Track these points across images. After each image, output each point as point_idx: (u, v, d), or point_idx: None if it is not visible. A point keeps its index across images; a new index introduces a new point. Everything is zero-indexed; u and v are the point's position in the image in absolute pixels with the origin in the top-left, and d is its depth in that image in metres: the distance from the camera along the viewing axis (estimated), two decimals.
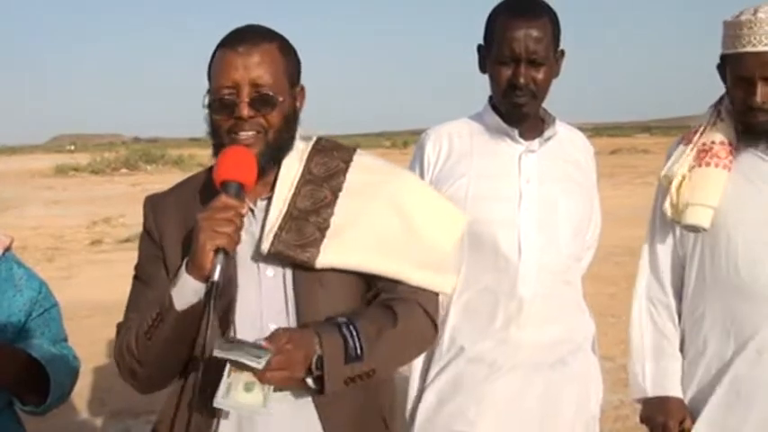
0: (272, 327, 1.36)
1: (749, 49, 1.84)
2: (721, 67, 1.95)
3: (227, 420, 1.42)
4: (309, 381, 1.36)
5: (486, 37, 1.94)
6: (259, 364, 1.24)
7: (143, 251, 1.53)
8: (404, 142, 50.32)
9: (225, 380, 1.28)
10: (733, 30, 1.88)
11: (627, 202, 10.37)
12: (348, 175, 1.52)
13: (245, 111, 1.40)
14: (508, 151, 1.94)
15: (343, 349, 1.35)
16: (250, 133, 1.42)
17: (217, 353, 1.26)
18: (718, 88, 2.02)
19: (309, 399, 1.42)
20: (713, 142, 1.95)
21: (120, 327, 1.49)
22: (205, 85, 1.48)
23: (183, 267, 1.34)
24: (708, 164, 1.94)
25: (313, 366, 1.34)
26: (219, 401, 1.28)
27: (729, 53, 1.90)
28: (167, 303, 1.35)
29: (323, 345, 1.34)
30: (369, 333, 1.38)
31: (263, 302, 1.44)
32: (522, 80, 1.84)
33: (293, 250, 1.40)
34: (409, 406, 2.01)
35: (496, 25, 1.89)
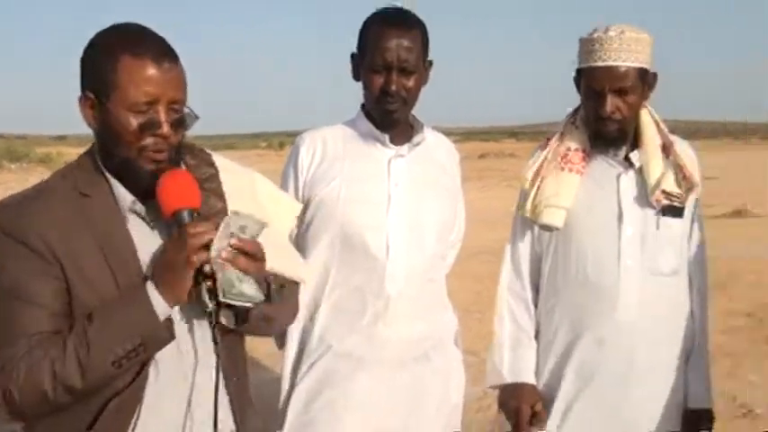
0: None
1: (600, 63, 1.98)
2: (577, 80, 2.09)
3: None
4: (229, 315, 1.40)
5: (359, 46, 2.00)
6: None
7: (19, 267, 1.34)
8: (279, 143, 49.83)
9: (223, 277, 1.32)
10: (587, 46, 2.03)
11: (494, 204, 10.83)
12: (221, 178, 1.53)
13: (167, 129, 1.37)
14: (379, 156, 2.01)
15: (266, 287, 1.43)
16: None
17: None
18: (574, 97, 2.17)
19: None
20: (568, 149, 2.09)
21: (6, 358, 1.31)
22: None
23: (153, 296, 1.31)
24: (562, 168, 2.08)
25: None
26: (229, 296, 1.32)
27: (584, 67, 2.04)
28: (162, 333, 1.33)
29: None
30: (275, 285, 1.49)
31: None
32: (393, 87, 1.92)
33: None
34: (281, 402, 2.03)
35: (369, 35, 1.96)
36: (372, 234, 1.95)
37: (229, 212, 1.34)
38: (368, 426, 1.96)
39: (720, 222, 10.31)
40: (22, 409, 1.32)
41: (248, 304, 1.35)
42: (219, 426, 1.41)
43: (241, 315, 1.39)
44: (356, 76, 2.02)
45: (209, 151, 1.58)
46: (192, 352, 1.42)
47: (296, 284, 1.63)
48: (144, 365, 1.36)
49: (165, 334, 1.34)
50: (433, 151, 2.10)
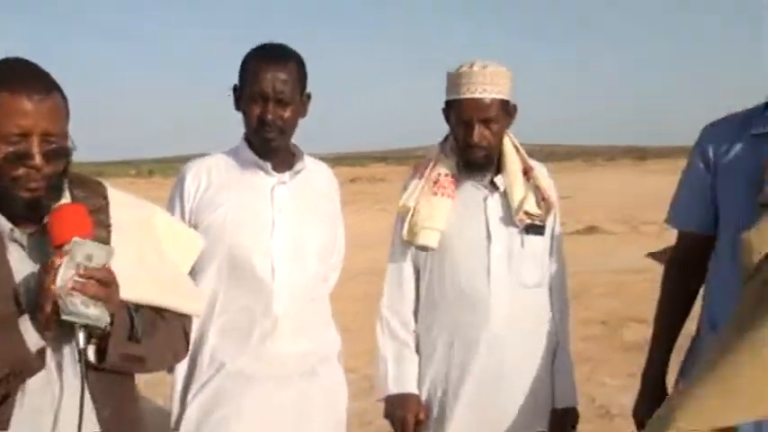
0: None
1: (467, 95, 2.14)
2: (446, 111, 2.25)
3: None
4: (91, 351, 1.43)
5: (240, 78, 2.08)
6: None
7: None
8: (149, 171, 48.00)
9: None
10: (454, 80, 2.19)
11: (368, 227, 11.03)
12: (111, 212, 1.55)
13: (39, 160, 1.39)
14: (262, 183, 2.08)
15: (129, 327, 1.46)
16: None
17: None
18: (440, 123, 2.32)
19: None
20: (439, 174, 2.25)
21: None
22: None
23: (25, 327, 1.34)
24: (435, 193, 2.22)
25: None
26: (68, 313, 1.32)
27: (452, 99, 2.20)
28: (31, 363, 1.35)
29: (113, 315, 1.41)
30: (146, 325, 1.50)
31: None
32: (270, 117, 2.00)
33: None
34: (172, 423, 2.04)
35: (248, 68, 2.04)
36: (258, 257, 2.02)
37: (72, 241, 1.35)
38: None
39: (573, 238, 11.08)
40: None
41: (90, 322, 1.37)
42: None
43: (100, 351, 1.42)
44: (237, 107, 2.09)
45: (106, 184, 1.60)
46: (57, 382, 1.43)
47: (181, 320, 1.63)
48: (9, 393, 1.36)
49: (35, 364, 1.35)
50: (314, 178, 2.19)
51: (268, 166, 2.08)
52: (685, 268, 2.03)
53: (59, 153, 1.41)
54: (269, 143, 2.05)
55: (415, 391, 2.24)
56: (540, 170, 2.30)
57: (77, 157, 1.48)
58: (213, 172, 2.09)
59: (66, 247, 1.34)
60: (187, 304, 1.64)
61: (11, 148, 1.37)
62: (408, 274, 2.30)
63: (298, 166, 2.13)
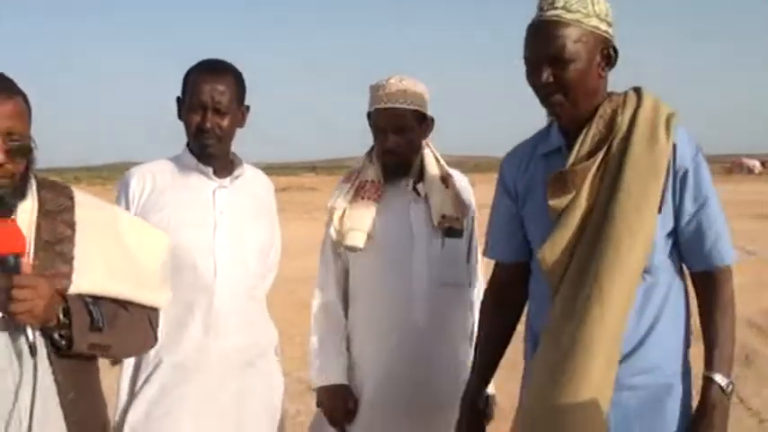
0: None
1: (382, 105, 2.34)
2: (369, 121, 2.44)
3: None
4: (57, 336, 1.54)
5: (182, 90, 2.24)
6: None
7: None
8: (75, 177, 46.65)
9: None
10: (373, 92, 2.40)
11: (298, 234, 11.08)
12: (76, 212, 1.67)
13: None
14: (204, 187, 2.24)
15: (89, 318, 1.58)
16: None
17: None
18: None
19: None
20: (366, 181, 2.44)
21: None
22: None
23: None
24: (362, 198, 2.41)
25: (60, 314, 1.53)
26: None
27: (371, 110, 2.40)
28: None
29: (69, 302, 1.55)
30: (108, 314, 1.62)
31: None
32: (208, 125, 2.17)
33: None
34: (118, 414, 2.15)
35: (189, 80, 2.21)
36: (201, 256, 2.16)
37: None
38: (203, 429, 2.15)
39: None
40: None
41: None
42: None
43: (69, 341, 1.54)
44: (180, 117, 2.25)
45: (72, 188, 1.73)
46: (9, 370, 1.52)
47: (145, 312, 1.76)
48: None
49: None
50: (252, 183, 2.36)
51: (209, 170, 2.24)
52: (499, 298, 2.05)
53: (22, 150, 1.53)
54: (207, 149, 2.20)
55: (343, 381, 2.40)
56: (458, 177, 2.51)
57: None
58: (157, 176, 2.23)
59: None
60: (149, 296, 1.76)
61: None
62: (338, 274, 2.47)
63: (237, 172, 2.29)
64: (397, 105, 2.33)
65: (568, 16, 1.73)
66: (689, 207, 1.77)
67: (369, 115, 2.43)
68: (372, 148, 2.50)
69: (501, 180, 2.01)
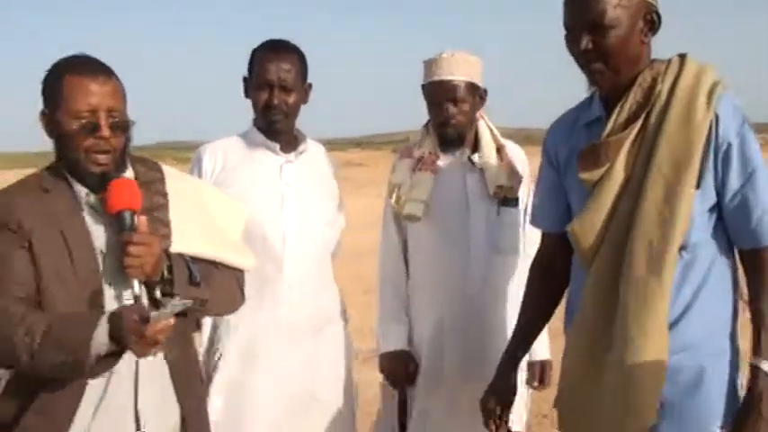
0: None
1: (436, 78, 2.43)
2: (423, 95, 2.51)
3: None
4: (158, 293, 1.66)
5: (249, 69, 2.36)
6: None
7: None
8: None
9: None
10: (426, 66, 2.48)
11: (347, 211, 11.18)
12: (167, 182, 1.82)
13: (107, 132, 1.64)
14: (271, 162, 2.36)
15: (188, 273, 1.70)
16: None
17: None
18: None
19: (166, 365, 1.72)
20: (423, 153, 2.52)
21: None
22: None
23: (100, 331, 1.52)
24: (420, 169, 2.49)
25: (164, 271, 1.66)
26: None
27: (426, 83, 2.48)
28: (85, 364, 1.52)
29: (171, 260, 1.67)
30: (203, 272, 1.75)
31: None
32: (275, 101, 2.28)
33: None
34: (205, 373, 2.27)
35: (256, 59, 2.33)
36: (270, 228, 2.29)
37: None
38: (280, 387, 2.29)
39: None
40: None
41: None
42: (159, 391, 1.70)
43: (169, 296, 1.67)
44: (247, 95, 2.38)
45: (160, 164, 1.88)
46: None
47: (234, 274, 1.89)
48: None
49: (86, 368, 1.53)
50: (315, 158, 2.48)
51: (276, 147, 2.36)
52: (545, 269, 2.01)
53: (122, 126, 1.68)
54: (275, 125, 2.32)
55: (404, 347, 2.51)
56: (512, 148, 2.58)
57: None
58: (228, 153, 2.36)
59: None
60: (237, 259, 1.90)
61: (83, 122, 1.63)
62: (399, 244, 2.57)
63: (301, 147, 2.41)
64: (452, 77, 2.41)
65: None
66: (733, 182, 1.67)
67: (423, 88, 2.50)
68: (428, 121, 2.58)
69: (545, 150, 1.98)
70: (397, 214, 2.53)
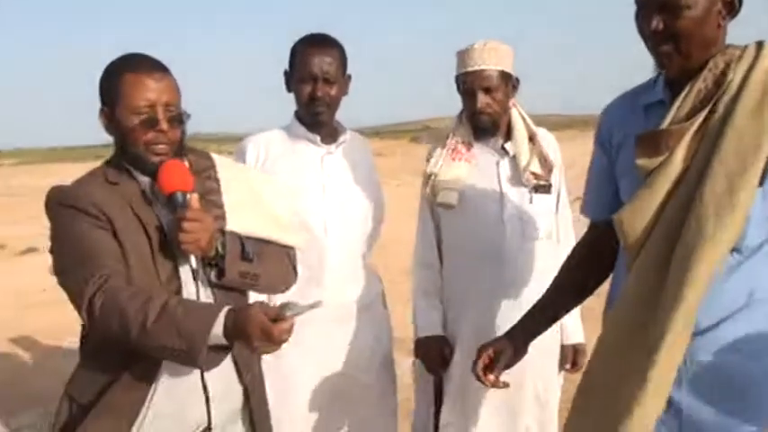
0: None
1: (469, 69, 2.46)
2: (457, 85, 2.55)
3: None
4: (211, 273, 1.74)
5: (290, 63, 2.42)
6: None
7: (84, 226, 1.68)
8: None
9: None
10: (459, 57, 2.52)
11: None
12: (218, 171, 1.91)
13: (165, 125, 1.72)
14: (313, 153, 2.44)
15: (240, 248, 1.78)
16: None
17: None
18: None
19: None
20: (457, 142, 2.57)
21: (95, 275, 1.60)
22: None
23: (218, 325, 1.55)
24: (454, 158, 2.54)
25: (219, 247, 1.73)
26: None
27: (459, 73, 2.52)
28: (201, 355, 1.55)
29: (225, 236, 1.75)
30: (256, 249, 1.82)
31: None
32: (319, 93, 2.35)
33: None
34: None
35: (298, 53, 2.39)
36: (312, 217, 2.37)
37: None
38: (322, 371, 2.39)
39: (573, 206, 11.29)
40: (93, 322, 1.59)
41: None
42: (225, 368, 1.78)
43: (222, 271, 1.74)
44: (289, 89, 2.44)
45: (209, 153, 1.97)
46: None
47: (286, 251, 1.96)
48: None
49: (200, 361, 1.57)
50: (355, 148, 2.54)
51: (317, 138, 2.43)
52: (583, 253, 1.95)
53: (178, 119, 1.75)
54: (318, 116, 2.39)
55: (439, 332, 2.56)
56: (543, 135, 2.61)
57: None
58: (270, 145, 2.43)
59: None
60: (289, 237, 1.98)
61: (142, 117, 1.71)
62: (433, 231, 2.62)
63: (341, 139, 2.48)
64: (484, 67, 2.45)
65: None
66: None
67: (457, 79, 2.55)
68: (462, 111, 2.62)
69: (598, 132, 1.88)
70: (431, 202, 2.58)
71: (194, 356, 1.55)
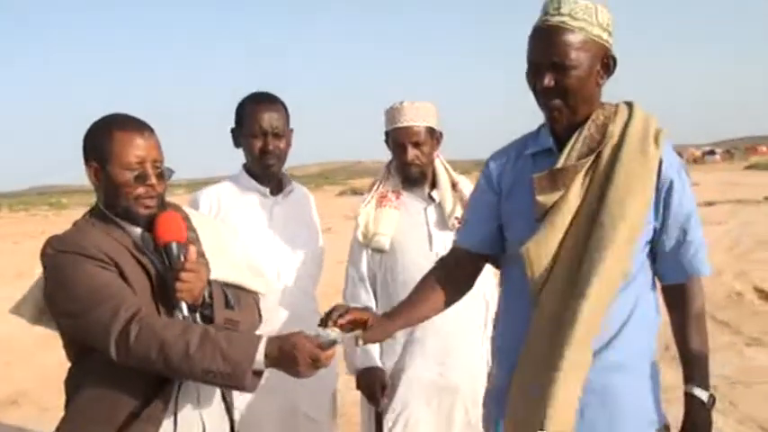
0: None
1: (399, 125, 2.72)
2: (386, 139, 2.80)
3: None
4: (198, 316, 1.85)
5: (237, 121, 2.61)
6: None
7: (94, 270, 1.76)
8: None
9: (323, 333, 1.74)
10: (388, 115, 2.77)
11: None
12: (192, 220, 2.03)
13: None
14: (262, 204, 2.62)
15: (224, 296, 1.92)
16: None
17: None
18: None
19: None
20: (387, 190, 2.81)
21: (120, 308, 1.68)
22: None
23: (260, 351, 1.68)
24: (384, 206, 2.77)
25: (206, 295, 1.85)
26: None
27: (389, 129, 2.77)
28: (246, 377, 1.66)
29: (210, 285, 1.88)
30: (233, 296, 1.96)
31: None
32: (270, 147, 2.54)
33: None
34: None
35: (246, 111, 2.57)
36: (265, 262, 2.53)
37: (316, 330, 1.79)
38: (269, 403, 2.51)
39: None
40: (127, 352, 1.66)
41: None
42: (216, 402, 1.94)
43: (209, 318, 1.88)
44: (236, 144, 2.63)
45: (179, 204, 2.08)
46: None
47: (253, 297, 2.09)
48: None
49: (247, 383, 1.67)
50: (299, 197, 2.75)
51: (267, 191, 2.62)
52: (444, 273, 2.06)
53: (164, 175, 1.89)
54: (270, 168, 2.58)
55: (378, 364, 2.73)
56: (464, 183, 2.87)
57: None
58: (222, 197, 2.59)
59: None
60: (254, 282, 2.11)
61: (134, 172, 1.82)
62: (364, 271, 2.79)
63: (287, 189, 2.68)
64: (413, 123, 2.72)
65: (573, 23, 1.77)
66: (672, 218, 1.80)
67: (386, 134, 2.80)
68: (390, 162, 2.86)
69: (485, 176, 2.02)
70: (364, 246, 2.77)
71: (241, 378, 1.66)
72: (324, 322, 1.80)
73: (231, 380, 1.68)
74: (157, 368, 1.69)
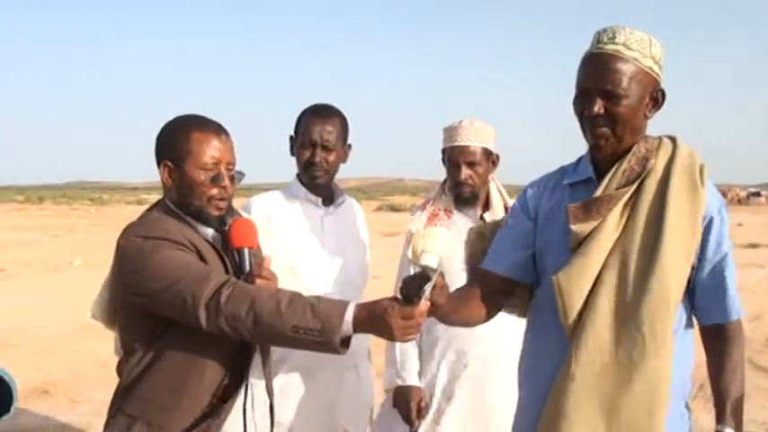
0: None
1: (456, 144, 2.72)
2: (443, 157, 2.80)
3: None
4: None
5: (295, 130, 2.62)
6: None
7: (181, 253, 1.80)
8: (39, 197, 45.38)
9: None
10: (448, 132, 2.77)
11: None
12: None
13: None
14: (313, 214, 2.61)
15: None
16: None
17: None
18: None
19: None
20: (438, 209, 2.79)
21: (211, 275, 1.74)
22: None
23: (349, 313, 1.69)
24: (435, 224, 2.76)
25: None
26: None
27: (446, 147, 2.77)
28: (335, 336, 1.67)
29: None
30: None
31: None
32: (316, 159, 2.54)
33: None
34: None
35: (302, 121, 2.59)
36: (313, 272, 2.51)
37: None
38: (309, 419, 2.52)
39: None
40: (217, 312, 1.69)
41: None
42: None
43: None
44: (292, 153, 2.64)
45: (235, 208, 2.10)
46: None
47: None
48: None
49: (336, 342, 1.67)
50: (350, 209, 2.74)
51: (318, 200, 2.62)
52: (474, 295, 2.01)
53: (236, 178, 1.92)
54: (315, 180, 2.58)
55: (417, 383, 2.71)
56: None
57: None
58: (274, 206, 2.60)
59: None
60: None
61: (210, 173, 1.85)
62: None
63: (339, 200, 2.67)
64: (469, 143, 2.72)
65: (628, 53, 1.77)
66: (710, 256, 1.78)
67: (443, 152, 2.80)
68: (445, 180, 2.85)
69: (522, 203, 2.01)
70: (413, 263, 2.74)
71: (330, 335, 1.65)
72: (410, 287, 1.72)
73: (321, 335, 1.66)
74: (246, 327, 1.69)
